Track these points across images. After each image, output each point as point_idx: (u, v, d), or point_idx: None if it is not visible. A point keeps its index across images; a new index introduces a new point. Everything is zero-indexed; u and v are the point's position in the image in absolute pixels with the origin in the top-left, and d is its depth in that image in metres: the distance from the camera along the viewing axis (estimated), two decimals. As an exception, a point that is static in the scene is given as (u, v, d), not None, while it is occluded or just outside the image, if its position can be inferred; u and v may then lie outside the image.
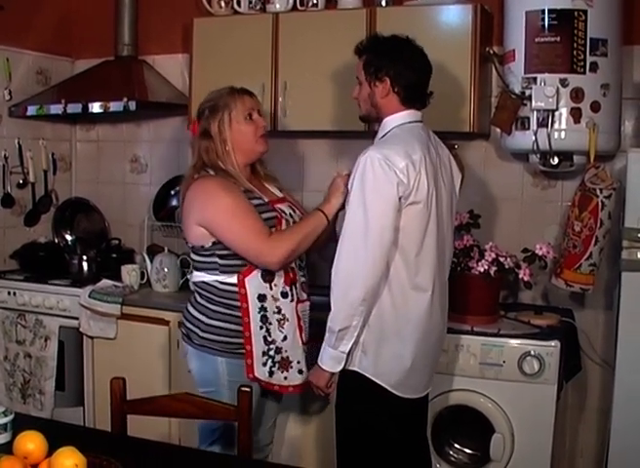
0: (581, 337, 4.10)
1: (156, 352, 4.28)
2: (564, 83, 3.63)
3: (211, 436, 3.31)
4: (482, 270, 3.70)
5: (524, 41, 3.72)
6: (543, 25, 3.65)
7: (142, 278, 4.62)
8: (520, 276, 3.79)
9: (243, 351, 3.21)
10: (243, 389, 2.64)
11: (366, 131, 4.04)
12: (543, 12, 3.65)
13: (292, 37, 4.25)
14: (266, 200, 3.32)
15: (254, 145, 3.35)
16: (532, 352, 3.55)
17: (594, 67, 3.63)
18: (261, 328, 3.21)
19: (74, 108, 4.70)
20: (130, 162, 5.31)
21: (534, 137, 3.70)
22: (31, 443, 2.07)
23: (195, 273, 3.33)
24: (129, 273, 4.57)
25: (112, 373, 2.84)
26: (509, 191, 4.27)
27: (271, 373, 3.23)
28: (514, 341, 3.61)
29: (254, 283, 3.20)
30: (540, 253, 3.81)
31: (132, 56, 5.05)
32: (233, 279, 3.20)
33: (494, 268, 3.72)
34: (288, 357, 3.25)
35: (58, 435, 2.12)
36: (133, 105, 4.52)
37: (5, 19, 4.71)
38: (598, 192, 3.60)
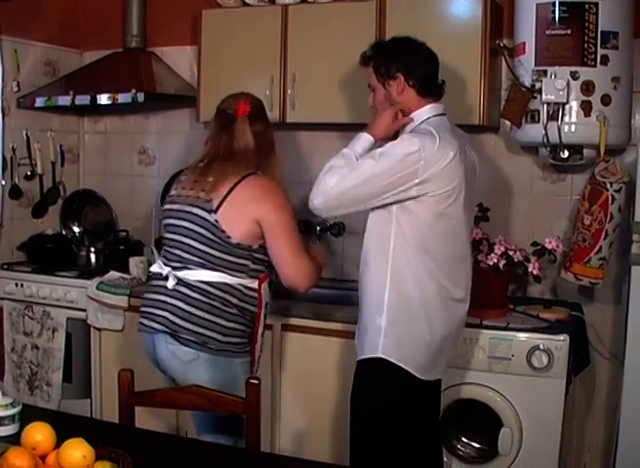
0: (590, 331, 4.09)
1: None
2: (574, 76, 3.61)
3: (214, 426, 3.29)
4: (491, 263, 3.69)
5: (534, 34, 3.70)
6: (554, 18, 3.63)
7: (150, 270, 4.60)
8: (529, 270, 3.77)
9: (249, 349, 3.30)
10: (251, 381, 2.64)
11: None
12: (554, 4, 3.63)
13: (301, 29, 4.24)
14: None
15: None
16: (541, 346, 3.54)
17: (605, 60, 3.61)
18: (263, 332, 3.35)
19: (82, 100, 4.69)
20: (138, 154, 5.30)
21: (544, 131, 3.68)
22: (39, 434, 2.06)
23: (208, 272, 3.19)
24: (136, 265, 4.56)
25: (120, 365, 2.85)
26: (519, 184, 4.26)
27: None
28: (523, 335, 3.60)
29: (266, 289, 3.29)
30: (550, 247, 3.80)
31: (140, 47, 5.04)
32: (255, 284, 3.24)
33: (503, 262, 3.71)
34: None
35: (65, 426, 2.12)
36: (141, 97, 4.51)
37: (13, 11, 4.70)
38: (608, 186, 3.59)
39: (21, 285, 4.69)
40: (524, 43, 3.75)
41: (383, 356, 3.06)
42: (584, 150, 3.77)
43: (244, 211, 3.15)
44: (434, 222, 3.03)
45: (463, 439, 3.84)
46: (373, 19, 4.03)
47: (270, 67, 4.30)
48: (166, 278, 3.24)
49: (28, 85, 4.94)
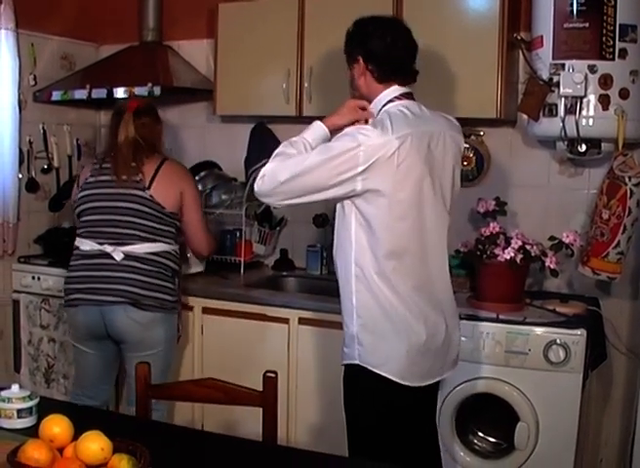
0: (607, 326, 4.07)
1: (181, 337, 4.28)
2: (592, 69, 3.59)
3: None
4: (508, 258, 3.67)
5: (552, 27, 3.68)
6: (572, 11, 3.61)
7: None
8: (546, 264, 3.76)
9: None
10: (268, 375, 2.64)
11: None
12: (572, -3, 3.61)
13: (318, 22, 4.23)
14: None
15: None
16: (557, 340, 3.53)
17: (623, 54, 3.59)
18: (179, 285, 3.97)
19: (99, 93, 4.70)
20: (154, 147, 5.30)
21: (561, 124, 3.66)
22: (57, 426, 2.06)
23: (150, 244, 3.73)
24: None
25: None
26: (536, 178, 4.24)
27: None
28: (540, 329, 3.58)
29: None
30: (567, 241, 3.78)
31: (156, 41, 5.05)
32: (178, 248, 3.89)
33: (520, 256, 3.69)
34: None
35: (82, 419, 2.12)
36: (157, 90, 4.51)
37: (30, 5, 4.72)
38: (627, 180, 3.57)
39: (38, 278, 4.71)
40: (542, 36, 3.73)
41: (360, 363, 2.96)
42: (602, 144, 3.75)
43: (172, 184, 3.78)
44: (393, 223, 2.88)
45: (480, 433, 3.84)
46: (390, 12, 4.01)
47: (287, 60, 4.30)
48: (104, 255, 3.69)
49: (45, 78, 4.96)
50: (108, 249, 3.69)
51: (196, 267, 4.52)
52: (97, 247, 3.71)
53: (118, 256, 3.67)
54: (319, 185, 2.85)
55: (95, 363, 3.89)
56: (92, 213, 3.77)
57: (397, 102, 2.97)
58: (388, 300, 2.91)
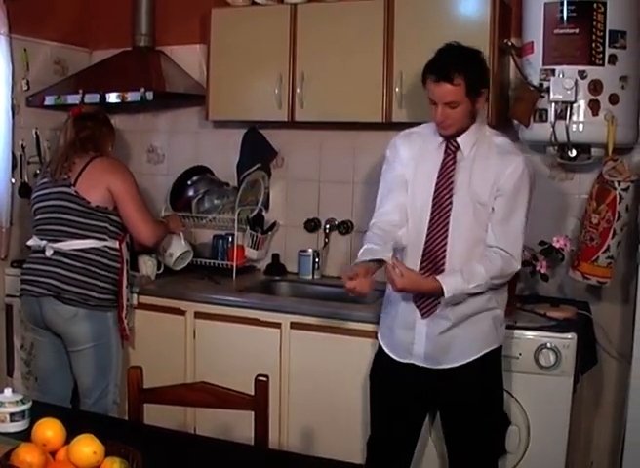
0: (598, 330, 4.09)
1: (172, 341, 4.30)
2: (582, 75, 3.61)
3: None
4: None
5: (542, 33, 3.70)
6: (562, 17, 3.63)
7: (159, 268, 4.64)
8: (537, 268, 3.79)
9: (117, 304, 4.02)
10: (260, 379, 2.65)
11: (383, 122, 4.06)
12: (562, 3, 3.63)
13: (310, 28, 4.25)
14: None
15: None
16: (548, 344, 3.54)
17: (613, 60, 3.61)
18: (127, 285, 4.09)
19: (92, 98, 4.69)
20: (147, 152, 5.32)
21: (551, 130, 3.68)
22: (49, 430, 2.08)
23: (78, 241, 3.88)
24: (145, 263, 4.58)
25: (129, 362, 2.86)
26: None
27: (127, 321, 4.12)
28: (530, 333, 3.60)
29: (124, 248, 4.05)
30: (558, 246, 3.81)
31: (149, 46, 5.06)
32: (116, 244, 3.98)
33: (511, 260, 3.71)
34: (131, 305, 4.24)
35: (75, 423, 2.13)
36: (150, 96, 4.52)
37: (23, 10, 4.72)
38: (616, 185, 3.59)
39: (31, 282, 4.70)
40: (532, 42, 3.76)
41: (500, 344, 3.36)
42: (592, 149, 3.77)
43: (98, 180, 3.90)
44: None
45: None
46: (381, 18, 4.04)
47: (279, 66, 4.31)
48: (42, 250, 3.91)
49: (38, 83, 4.96)
50: (43, 244, 3.93)
51: (178, 249, 4.60)
52: (37, 243, 3.97)
53: (48, 252, 3.90)
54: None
55: (47, 352, 4.06)
56: (38, 212, 4.01)
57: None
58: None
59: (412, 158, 3.28)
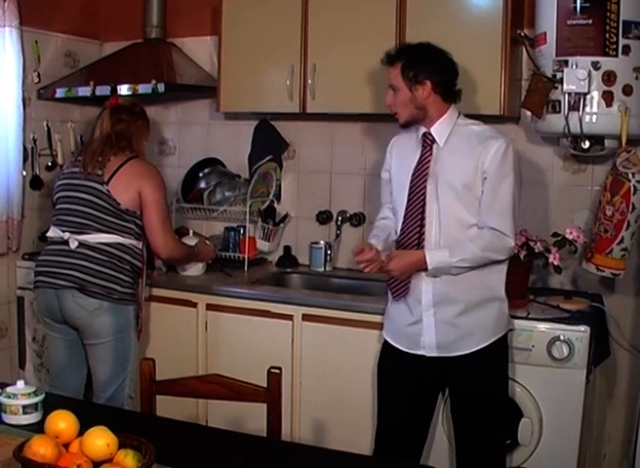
0: (610, 323, 4.07)
1: (184, 334, 4.30)
2: (596, 66, 3.59)
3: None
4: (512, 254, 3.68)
5: (555, 24, 3.67)
6: (575, 8, 3.61)
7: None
8: (550, 260, 3.76)
9: (136, 298, 4.02)
10: (273, 371, 2.65)
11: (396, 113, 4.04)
12: (575, -6, 3.61)
13: (321, 19, 4.24)
14: None
15: None
16: (561, 337, 3.53)
17: (626, 50, 3.58)
18: (145, 284, 4.13)
19: (103, 90, 4.68)
20: (158, 144, 5.31)
21: (565, 121, 3.66)
22: (63, 422, 2.07)
23: (104, 235, 3.84)
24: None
25: (141, 355, 2.86)
26: (539, 175, 4.24)
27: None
28: (543, 326, 3.59)
29: (145, 250, 4.04)
30: (571, 238, 3.79)
31: (160, 38, 5.05)
32: (141, 244, 3.98)
33: (523, 252, 3.71)
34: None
35: (87, 415, 2.13)
36: (161, 88, 4.51)
37: (33, 2, 4.72)
38: (630, 176, 3.57)
39: (43, 274, 4.70)
40: (545, 33, 3.73)
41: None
42: (606, 141, 3.75)
43: (130, 183, 3.86)
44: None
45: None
46: (393, 9, 4.03)
47: (291, 57, 4.30)
48: (65, 242, 3.85)
49: (49, 76, 4.96)
50: (67, 236, 3.85)
51: (194, 271, 4.54)
52: (59, 234, 3.89)
53: (73, 244, 3.83)
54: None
55: (61, 347, 4.01)
56: (61, 201, 3.96)
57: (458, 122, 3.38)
58: None
59: (397, 158, 3.52)
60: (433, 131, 3.32)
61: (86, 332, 3.87)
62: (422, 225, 3.28)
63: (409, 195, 3.32)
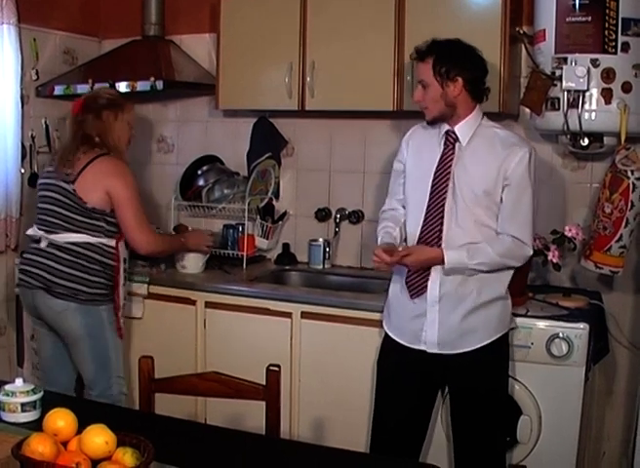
0: (609, 320, 4.07)
1: (183, 331, 4.30)
2: (595, 63, 3.59)
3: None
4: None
5: (554, 21, 3.67)
6: (574, 5, 3.60)
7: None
8: (549, 258, 3.77)
9: (111, 298, 3.94)
10: (272, 368, 2.64)
11: (394, 111, 4.04)
12: (574, -9, 3.61)
13: (320, 16, 4.23)
14: None
15: None
16: (560, 334, 3.53)
17: (626, 47, 3.58)
18: (124, 283, 4.01)
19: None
20: (157, 142, 5.31)
21: (564, 118, 3.66)
22: (61, 420, 2.07)
23: (72, 234, 3.82)
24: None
25: (140, 352, 2.85)
26: (538, 172, 4.21)
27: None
28: (542, 323, 3.59)
29: (122, 246, 3.95)
30: (570, 235, 3.79)
31: (159, 35, 5.04)
32: (113, 243, 3.90)
33: (523, 250, 3.70)
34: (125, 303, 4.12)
35: (86, 413, 2.12)
36: (160, 85, 4.51)
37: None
38: (629, 174, 3.57)
39: (41, 272, 4.70)
40: (544, 30, 3.73)
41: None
42: (605, 138, 3.75)
43: (97, 182, 3.82)
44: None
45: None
46: (392, 6, 4.02)
47: (289, 55, 4.30)
48: (38, 240, 3.90)
49: (47, 73, 4.95)
50: (39, 234, 3.90)
51: (193, 268, 4.53)
52: (36, 232, 3.94)
53: (44, 243, 3.87)
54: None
55: (48, 343, 4.03)
56: (39, 201, 3.99)
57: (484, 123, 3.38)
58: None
59: (415, 151, 3.46)
60: (457, 129, 3.31)
61: (60, 332, 3.90)
62: (442, 223, 3.27)
63: (431, 194, 3.31)
